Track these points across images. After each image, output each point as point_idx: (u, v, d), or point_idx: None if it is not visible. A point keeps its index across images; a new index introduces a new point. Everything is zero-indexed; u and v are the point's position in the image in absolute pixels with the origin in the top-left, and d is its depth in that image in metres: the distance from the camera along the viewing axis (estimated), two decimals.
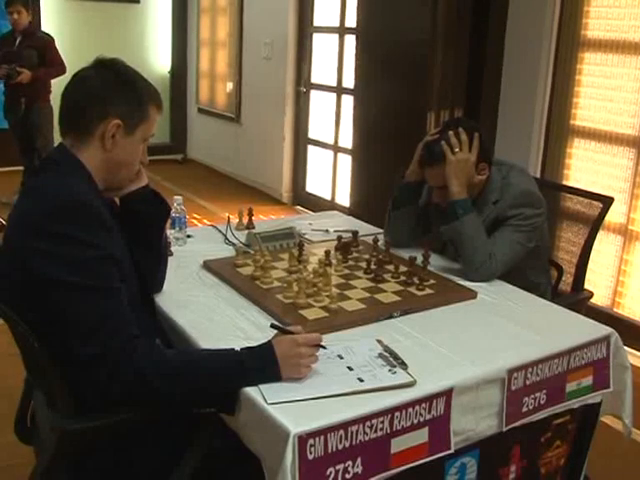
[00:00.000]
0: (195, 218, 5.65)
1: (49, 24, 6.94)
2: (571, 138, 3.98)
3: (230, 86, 7.24)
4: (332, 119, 5.93)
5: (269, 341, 1.51)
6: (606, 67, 3.75)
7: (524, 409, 1.68)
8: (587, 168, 3.91)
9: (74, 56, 5.46)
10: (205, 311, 1.85)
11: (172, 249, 2.27)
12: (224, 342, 1.63)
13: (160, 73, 7.88)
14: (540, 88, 4.04)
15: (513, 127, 4.19)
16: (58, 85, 4.92)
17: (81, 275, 1.39)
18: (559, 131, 4.03)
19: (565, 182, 3.95)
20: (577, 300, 2.40)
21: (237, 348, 1.50)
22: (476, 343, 1.73)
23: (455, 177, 2.16)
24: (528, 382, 1.67)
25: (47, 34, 5.67)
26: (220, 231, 2.55)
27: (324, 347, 1.53)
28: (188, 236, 2.44)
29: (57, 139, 1.60)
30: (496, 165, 2.28)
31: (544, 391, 1.71)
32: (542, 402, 1.71)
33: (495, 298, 2.04)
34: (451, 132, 2.18)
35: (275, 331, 1.57)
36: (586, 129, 3.88)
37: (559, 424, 1.82)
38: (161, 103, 1.63)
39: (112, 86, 1.54)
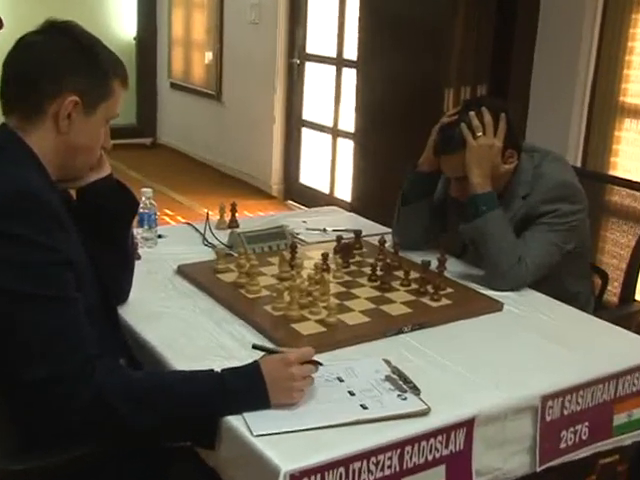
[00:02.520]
0: (167, 215, 5.66)
1: None
2: (619, 119, 3.97)
3: (209, 56, 7.25)
4: (331, 97, 5.95)
5: (255, 361, 1.52)
6: None
7: (562, 445, 1.69)
8: (639, 155, 3.91)
9: (17, 17, 5.46)
10: (179, 325, 1.86)
11: (140, 251, 2.27)
12: (202, 362, 1.64)
13: (124, 40, 7.89)
14: (582, 58, 4.03)
15: (548, 106, 4.20)
16: None
17: (31, 283, 1.40)
18: (605, 110, 4.02)
19: (611, 172, 3.96)
20: (626, 314, 2.41)
21: (217, 369, 1.51)
22: (502, 364, 1.74)
23: (477, 166, 2.18)
24: (566, 412, 1.68)
25: None
26: (197, 230, 2.56)
27: (320, 364, 1.54)
28: (159, 236, 2.45)
29: None
30: (527, 152, 2.30)
31: (586, 423, 1.72)
32: (584, 437, 1.72)
33: (525, 310, 2.05)
34: (472, 113, 2.20)
35: (260, 353, 1.58)
36: (639, 108, 3.88)
37: (606, 465, 1.84)
38: (126, 76, 1.64)
39: (68, 55, 1.54)
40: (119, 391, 1.42)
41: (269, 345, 1.69)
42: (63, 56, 1.54)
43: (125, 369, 1.56)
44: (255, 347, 1.60)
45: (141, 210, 2.33)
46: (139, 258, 2.20)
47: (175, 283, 2.12)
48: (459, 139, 2.19)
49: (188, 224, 2.66)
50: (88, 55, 1.56)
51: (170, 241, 2.46)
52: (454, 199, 2.31)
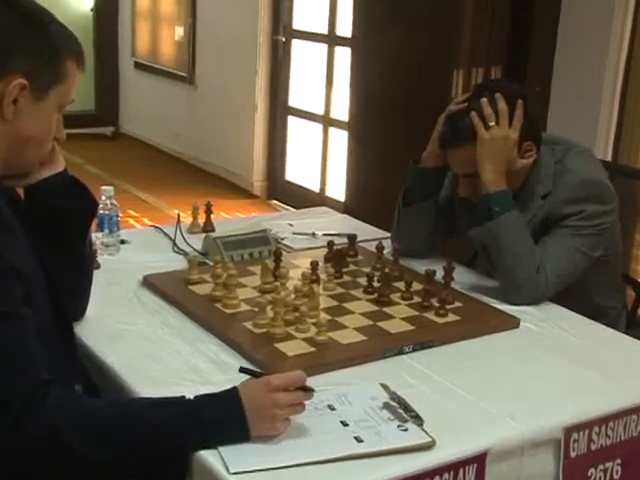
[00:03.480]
0: (131, 217, 5.66)
1: None
2: None
3: (180, 32, 7.26)
4: (322, 80, 5.96)
5: (233, 387, 1.52)
6: None
7: None
8: None
9: None
10: (145, 346, 1.86)
11: (99, 260, 2.28)
12: (172, 388, 1.64)
13: (79, 13, 7.90)
14: (614, 36, 4.03)
15: (573, 91, 4.22)
16: None
17: None
18: None
19: None
20: None
21: (190, 396, 1.52)
22: (519, 389, 1.75)
23: (490, 162, 2.19)
24: (594, 446, 1.69)
25: None
26: (166, 234, 2.57)
27: (312, 390, 1.55)
28: (122, 241, 2.45)
29: None
30: (547, 145, 2.31)
31: (618, 460, 1.73)
32: (616, 476, 1.73)
33: (545, 327, 2.07)
34: (485, 99, 2.21)
35: (246, 377, 1.59)
36: None
37: None
38: (82, 55, 1.64)
39: (12, 31, 1.53)
40: (73, 422, 1.42)
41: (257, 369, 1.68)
42: (7, 32, 1.53)
43: (81, 396, 1.56)
44: (243, 370, 1.60)
45: (101, 211, 2.34)
46: (98, 267, 2.21)
47: (140, 296, 2.12)
48: (469, 130, 2.20)
49: (155, 227, 2.66)
50: (36, 31, 1.55)
51: (135, 247, 2.46)
52: (463, 199, 2.33)
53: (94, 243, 2.17)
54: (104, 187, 2.44)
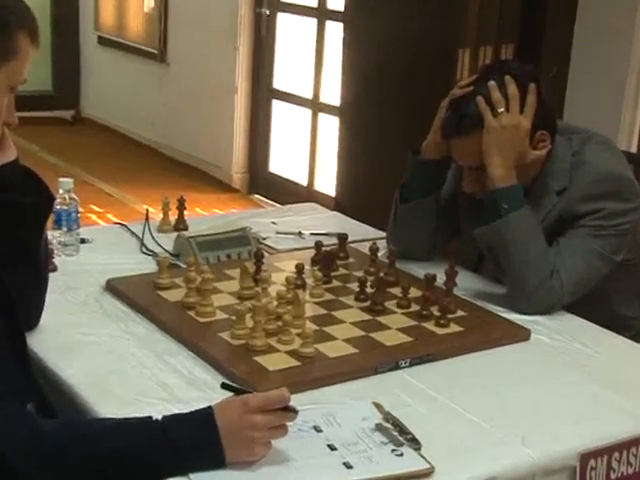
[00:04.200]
0: (94, 212, 5.65)
1: None
2: None
3: (151, 3, 7.25)
4: (311, 60, 5.96)
5: (208, 407, 1.52)
6: None
7: None
8: None
9: None
10: (107, 358, 1.86)
11: (56, 261, 2.27)
12: (137, 407, 1.64)
13: None
14: None
15: (594, 74, 4.23)
16: None
17: None
18: None
19: None
20: None
21: (158, 416, 1.52)
22: (529, 410, 1.76)
23: (498, 153, 2.19)
24: (614, 475, 1.69)
25: None
26: (133, 233, 2.57)
27: (295, 411, 1.55)
28: (82, 241, 2.45)
29: None
30: (564, 134, 2.32)
31: None
32: None
33: (559, 340, 2.07)
34: (493, 82, 2.21)
35: (228, 394, 1.59)
36: None
37: None
38: (37, 29, 1.64)
39: None
40: (24, 445, 1.42)
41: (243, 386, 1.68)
42: None
43: (33, 417, 1.56)
44: (225, 387, 1.61)
45: (58, 206, 2.33)
46: (55, 270, 2.20)
47: (103, 303, 2.12)
48: (475, 117, 2.20)
49: (121, 225, 2.66)
50: None
51: (97, 247, 2.46)
52: (468, 195, 2.33)
53: (50, 242, 2.16)
54: (62, 179, 2.43)
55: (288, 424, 1.55)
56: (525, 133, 2.21)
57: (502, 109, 2.19)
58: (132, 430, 1.49)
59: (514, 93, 2.20)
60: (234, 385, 1.62)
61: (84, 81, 8.26)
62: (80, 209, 2.45)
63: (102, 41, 7.93)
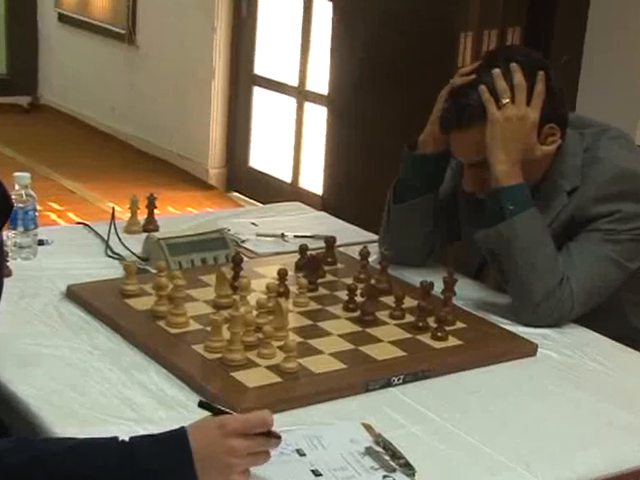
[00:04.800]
0: (54, 210, 5.64)
1: None
2: None
3: None
4: (296, 43, 5.96)
5: (181, 428, 1.52)
6: None
7: None
8: None
9: None
10: (67, 373, 1.85)
11: (11, 265, 2.27)
12: (100, 427, 1.63)
13: None
14: None
15: (610, 61, 4.23)
16: None
17: None
18: None
19: None
20: None
21: (125, 437, 1.52)
22: (535, 433, 1.76)
23: (502, 148, 2.20)
24: None
25: None
26: (98, 234, 2.56)
27: (278, 437, 1.55)
28: (40, 242, 2.44)
29: None
30: (575, 128, 2.33)
31: None
32: None
33: (569, 355, 2.08)
34: (498, 70, 2.22)
35: (205, 413, 1.58)
36: None
37: None
38: None
39: None
40: None
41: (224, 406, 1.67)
42: None
43: None
44: (203, 406, 1.60)
45: (14, 204, 2.33)
46: (10, 275, 2.19)
47: (63, 311, 2.11)
48: (477, 108, 2.21)
49: (84, 225, 2.65)
50: None
51: (57, 249, 2.46)
52: (469, 194, 2.34)
53: (4, 244, 2.16)
54: (18, 173, 2.42)
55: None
56: (532, 126, 2.21)
57: (507, 100, 2.20)
58: (97, 452, 1.49)
59: (520, 82, 2.21)
60: (213, 405, 1.61)
61: (43, 64, 8.24)
62: (38, 207, 2.44)
63: (63, 19, 7.91)
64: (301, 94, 6.02)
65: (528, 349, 2.08)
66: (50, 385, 1.80)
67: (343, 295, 2.21)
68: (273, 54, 6.25)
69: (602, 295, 2.24)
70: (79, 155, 6.93)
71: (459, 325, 2.13)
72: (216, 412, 1.56)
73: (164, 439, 1.50)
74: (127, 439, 1.50)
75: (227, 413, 1.55)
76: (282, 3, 6.11)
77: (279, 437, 1.54)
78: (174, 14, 6.69)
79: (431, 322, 2.09)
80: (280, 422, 1.58)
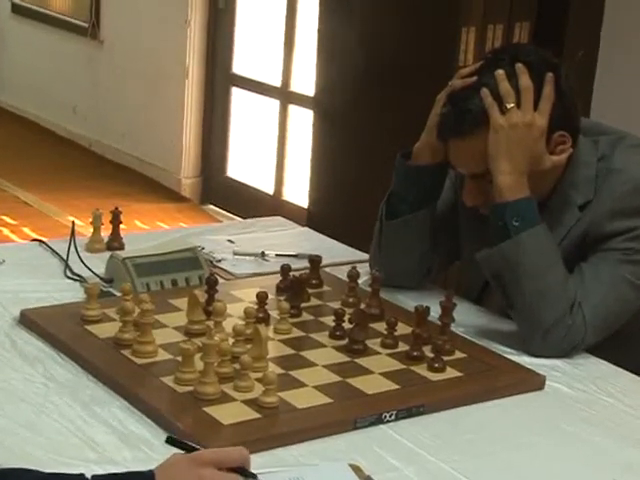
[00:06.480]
0: (6, 225, 5.63)
1: None
2: None
3: None
4: (279, 39, 5.97)
5: (149, 470, 1.52)
6: None
7: None
8: None
9: None
10: (21, 409, 1.85)
11: None
12: (58, 469, 1.62)
13: None
14: None
15: (629, 61, 4.24)
16: None
17: None
18: None
19: None
20: None
21: (87, 476, 1.52)
22: (542, 477, 1.77)
23: (507, 158, 2.21)
24: None
25: None
26: (56, 252, 2.57)
27: (254, 477, 1.55)
28: None
29: None
30: (589, 135, 2.34)
31: None
32: None
33: (581, 389, 2.08)
34: (501, 71, 2.23)
35: (174, 450, 1.59)
36: None
37: None
38: None
39: None
40: None
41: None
42: None
43: None
44: (170, 441, 1.60)
45: None
46: None
47: (15, 339, 2.12)
48: (479, 114, 2.22)
49: (40, 242, 2.66)
50: None
51: (9, 270, 2.46)
52: (470, 210, 2.35)
53: None
54: None
55: None
56: (540, 133, 2.23)
57: (512, 104, 2.21)
58: None
59: (527, 84, 2.22)
60: (183, 441, 1.60)
61: None
62: None
63: (17, 10, 7.91)
64: (284, 95, 6.03)
65: (535, 382, 2.08)
66: (0, 423, 1.80)
67: (329, 321, 2.22)
68: (253, 51, 6.26)
69: (618, 322, 2.25)
70: (35, 162, 6.92)
71: (458, 355, 2.14)
72: (186, 449, 1.56)
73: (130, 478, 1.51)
74: (90, 477, 1.51)
75: (198, 450, 1.56)
76: None
77: (255, 477, 1.54)
78: (142, 5, 6.71)
79: (427, 352, 2.10)
80: (258, 463, 1.59)
